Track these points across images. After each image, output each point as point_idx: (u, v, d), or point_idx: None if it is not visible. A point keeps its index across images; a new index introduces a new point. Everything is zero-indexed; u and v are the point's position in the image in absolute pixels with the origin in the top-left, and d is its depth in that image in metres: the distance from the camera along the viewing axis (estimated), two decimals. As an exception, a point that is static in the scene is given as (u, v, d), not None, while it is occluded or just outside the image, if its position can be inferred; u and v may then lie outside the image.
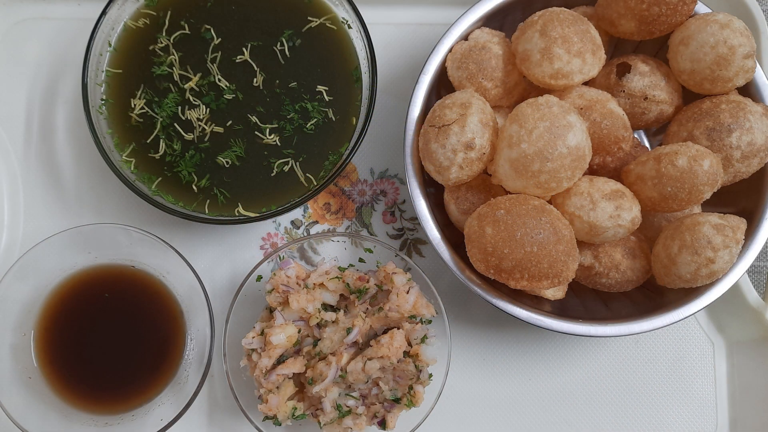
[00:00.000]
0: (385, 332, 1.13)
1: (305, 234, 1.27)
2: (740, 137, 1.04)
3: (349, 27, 1.21)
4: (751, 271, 1.31)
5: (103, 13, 1.16)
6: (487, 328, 1.26)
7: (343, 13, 1.20)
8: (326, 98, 1.19)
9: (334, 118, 1.19)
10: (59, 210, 1.26)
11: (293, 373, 1.12)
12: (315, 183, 1.17)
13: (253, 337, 1.11)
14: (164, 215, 1.24)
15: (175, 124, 1.17)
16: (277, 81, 1.19)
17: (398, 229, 1.28)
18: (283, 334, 1.09)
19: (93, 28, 1.15)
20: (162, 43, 1.19)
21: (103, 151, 1.13)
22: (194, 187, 1.17)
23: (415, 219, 1.28)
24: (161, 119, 1.17)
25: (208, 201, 1.17)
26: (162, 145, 1.17)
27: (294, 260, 1.16)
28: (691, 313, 1.08)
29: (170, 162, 1.17)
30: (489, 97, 1.10)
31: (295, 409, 1.12)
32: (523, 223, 0.99)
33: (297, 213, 1.28)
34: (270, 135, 1.18)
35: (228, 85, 1.18)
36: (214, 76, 1.18)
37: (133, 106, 1.18)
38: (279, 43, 1.19)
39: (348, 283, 1.13)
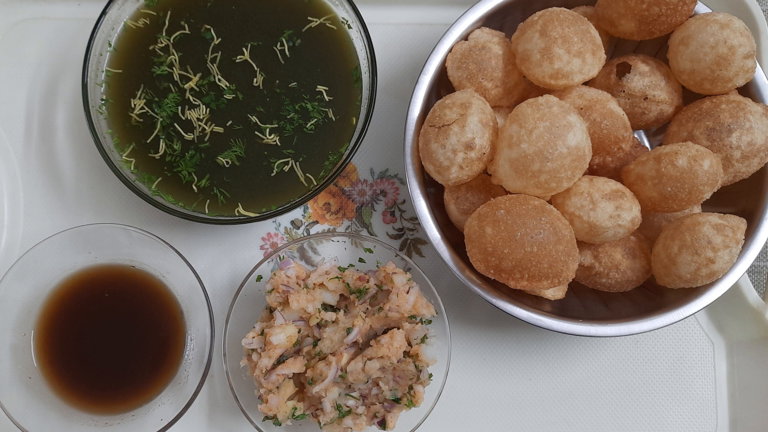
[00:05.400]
0: (385, 332, 1.13)
1: (305, 234, 1.27)
2: (740, 137, 1.04)
3: (349, 27, 1.21)
4: (751, 271, 1.31)
5: (103, 13, 1.16)
6: (487, 328, 1.26)
7: (343, 13, 1.20)
8: (326, 98, 1.19)
9: (334, 118, 1.19)
10: (59, 210, 1.26)
11: (293, 373, 1.12)
12: (315, 183, 1.17)
13: (253, 337, 1.11)
14: (164, 215, 1.24)
15: (175, 124, 1.17)
16: (277, 81, 1.19)
17: (398, 229, 1.28)
18: (283, 334, 1.09)
19: (93, 28, 1.15)
20: (162, 43, 1.19)
21: (103, 151, 1.13)
22: (194, 187, 1.17)
23: (415, 219, 1.28)
24: (161, 119, 1.17)
25: (208, 201, 1.17)
26: (162, 145, 1.17)
27: (294, 260, 1.16)
28: (691, 313, 1.08)
29: (170, 162, 1.17)
30: (489, 97, 1.10)
31: (295, 409, 1.12)
32: (523, 223, 0.99)
33: (297, 213, 1.28)
34: (270, 135, 1.18)
35: (228, 85, 1.18)
36: (214, 76, 1.18)
37: (133, 106, 1.18)
38: (279, 43, 1.19)
39: (348, 283, 1.13)
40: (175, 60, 1.18)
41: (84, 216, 1.26)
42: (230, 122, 1.18)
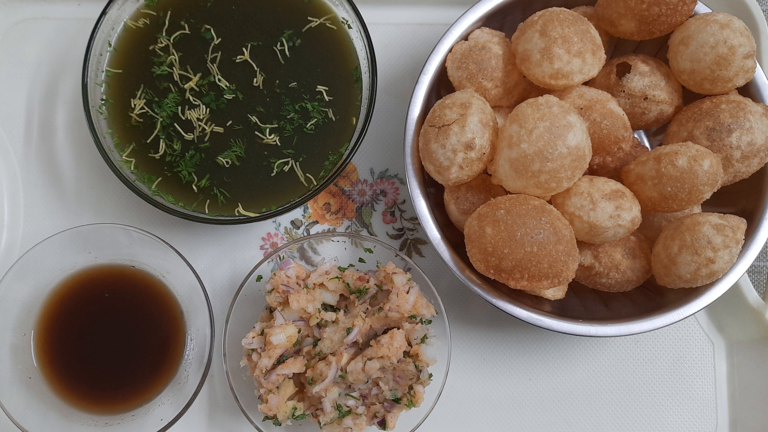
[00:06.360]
0: (385, 332, 1.13)
1: (305, 234, 1.27)
2: (740, 137, 1.04)
3: (349, 27, 1.21)
4: (751, 271, 1.31)
5: (103, 13, 1.16)
6: (487, 328, 1.26)
7: (343, 13, 1.20)
8: (326, 98, 1.19)
9: (334, 118, 1.19)
10: (59, 210, 1.26)
11: (293, 373, 1.12)
12: (315, 183, 1.17)
13: (253, 337, 1.11)
14: (164, 215, 1.24)
15: (175, 124, 1.17)
16: (277, 81, 1.19)
17: (398, 229, 1.28)
18: (283, 334, 1.09)
19: (93, 28, 1.15)
20: (162, 43, 1.19)
21: (103, 151, 1.13)
22: (194, 187, 1.17)
23: (415, 219, 1.28)
24: (161, 119, 1.17)
25: (208, 201, 1.17)
26: (162, 145, 1.17)
27: (294, 260, 1.16)
28: (691, 313, 1.08)
29: (170, 162, 1.17)
30: (489, 97, 1.10)
31: (295, 409, 1.12)
32: (523, 223, 0.99)
33: (297, 213, 1.28)
34: (270, 135, 1.18)
35: (228, 85, 1.18)
36: (214, 76, 1.18)
37: (133, 106, 1.18)
38: (279, 43, 1.19)
39: (348, 283, 1.13)
40: (175, 60, 1.18)
41: (84, 216, 1.26)
42: (230, 122, 1.18)
